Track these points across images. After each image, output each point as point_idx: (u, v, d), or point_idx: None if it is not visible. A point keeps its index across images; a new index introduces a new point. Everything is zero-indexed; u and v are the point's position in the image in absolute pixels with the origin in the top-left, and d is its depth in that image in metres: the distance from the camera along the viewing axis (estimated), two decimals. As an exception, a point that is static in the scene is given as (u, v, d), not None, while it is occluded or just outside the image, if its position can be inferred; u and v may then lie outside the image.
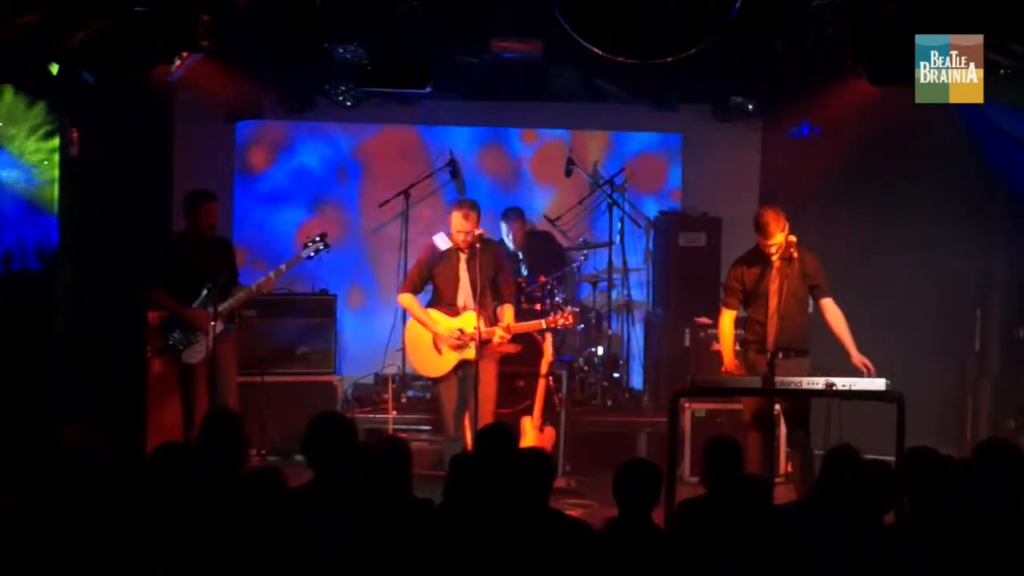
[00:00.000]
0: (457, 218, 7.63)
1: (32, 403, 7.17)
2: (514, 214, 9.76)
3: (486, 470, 4.90)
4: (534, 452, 5.40)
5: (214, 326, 7.74)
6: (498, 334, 7.64)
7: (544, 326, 7.98)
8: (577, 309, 9.30)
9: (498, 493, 4.85)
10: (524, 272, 9.46)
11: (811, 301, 7.49)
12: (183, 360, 7.91)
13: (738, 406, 8.44)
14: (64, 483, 4.65)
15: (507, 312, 7.77)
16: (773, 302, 7.26)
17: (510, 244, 9.66)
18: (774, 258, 7.28)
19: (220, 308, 7.88)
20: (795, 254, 7.21)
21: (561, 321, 7.94)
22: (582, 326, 9.27)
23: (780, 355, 7.27)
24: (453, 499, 4.84)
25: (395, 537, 4.59)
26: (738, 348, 7.53)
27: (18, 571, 4.38)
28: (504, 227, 9.69)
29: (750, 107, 9.62)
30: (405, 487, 5.19)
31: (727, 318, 7.58)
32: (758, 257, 7.37)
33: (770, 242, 7.23)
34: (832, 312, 7.37)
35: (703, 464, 5.45)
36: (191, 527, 4.52)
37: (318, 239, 8.21)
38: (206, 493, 4.73)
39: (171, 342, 7.91)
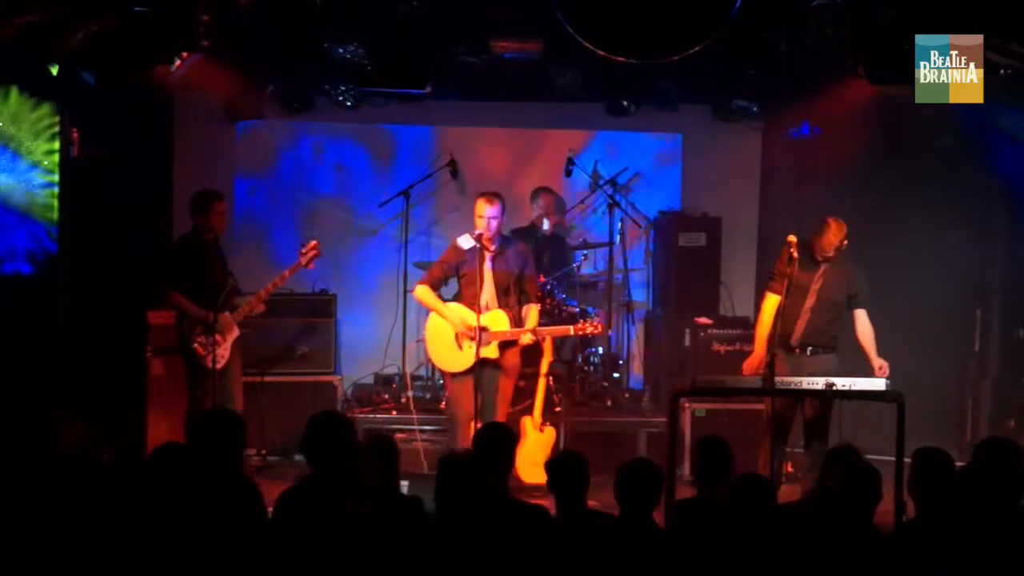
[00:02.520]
0: (480, 203, 7.58)
1: (31, 403, 7.17)
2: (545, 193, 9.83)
3: (476, 469, 4.90)
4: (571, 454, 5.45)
5: (214, 328, 7.76)
6: (526, 338, 7.62)
7: (572, 332, 7.94)
8: (585, 310, 9.34)
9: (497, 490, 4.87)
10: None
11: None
12: (206, 364, 7.82)
13: (738, 406, 8.47)
14: (61, 483, 4.65)
15: (532, 312, 7.75)
16: (810, 301, 7.30)
17: (545, 226, 9.70)
18: (820, 256, 7.32)
19: (234, 313, 7.90)
20: (835, 258, 7.27)
21: (590, 329, 7.88)
22: (589, 309, 9.25)
23: (808, 351, 7.31)
24: (443, 499, 4.82)
25: (390, 534, 4.59)
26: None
27: (17, 571, 4.38)
28: (536, 208, 9.76)
29: (755, 108, 9.61)
30: (394, 484, 5.23)
31: (771, 303, 7.49)
32: (808, 252, 7.38)
33: (825, 248, 7.26)
34: (863, 323, 7.43)
35: (693, 465, 5.44)
36: (189, 527, 4.53)
37: (311, 247, 8.18)
38: (201, 491, 4.74)
39: (196, 347, 7.85)
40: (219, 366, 7.79)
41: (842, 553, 4.54)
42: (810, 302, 7.35)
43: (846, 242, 7.29)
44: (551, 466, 5.21)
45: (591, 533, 4.59)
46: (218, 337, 7.77)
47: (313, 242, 8.17)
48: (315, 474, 4.92)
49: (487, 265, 7.61)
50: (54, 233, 7.34)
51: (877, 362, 7.28)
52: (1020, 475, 4.80)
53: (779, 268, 7.48)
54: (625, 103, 9.57)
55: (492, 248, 7.62)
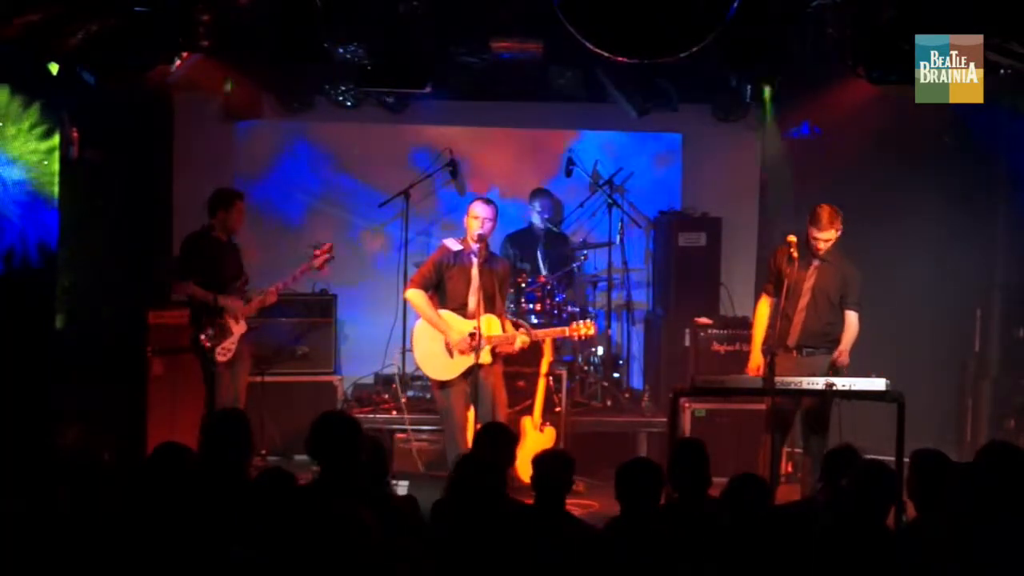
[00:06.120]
0: (476, 205, 7.69)
1: (30, 403, 7.17)
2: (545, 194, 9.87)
3: (490, 470, 4.91)
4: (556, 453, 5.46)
5: (215, 326, 7.79)
6: (520, 340, 7.62)
7: (567, 334, 7.95)
8: (586, 310, 9.36)
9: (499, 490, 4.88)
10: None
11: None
12: (214, 358, 7.84)
13: (738, 406, 8.47)
14: (61, 483, 4.65)
15: (507, 326, 7.80)
16: (804, 300, 7.30)
17: (540, 224, 9.75)
18: (814, 254, 7.32)
19: (247, 305, 7.92)
20: (829, 256, 7.25)
21: (584, 330, 7.90)
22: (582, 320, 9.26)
23: (804, 352, 7.31)
24: (455, 496, 4.84)
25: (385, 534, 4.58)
26: (764, 347, 7.50)
27: (16, 571, 4.38)
28: (537, 208, 9.80)
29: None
30: (387, 484, 5.24)
31: (763, 306, 7.57)
32: (803, 251, 7.39)
33: (820, 235, 7.27)
34: (849, 323, 7.41)
35: (671, 468, 5.39)
36: (191, 527, 4.52)
37: (325, 251, 8.19)
38: (208, 493, 4.74)
39: (202, 340, 7.85)
40: (225, 358, 7.81)
41: (851, 555, 4.54)
42: (804, 301, 7.35)
43: (841, 229, 7.29)
44: (536, 463, 5.21)
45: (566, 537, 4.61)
46: (229, 323, 7.82)
47: (327, 244, 8.20)
48: (321, 474, 4.93)
49: (474, 270, 7.62)
50: (51, 236, 7.34)
51: (836, 353, 7.27)
52: (1021, 477, 4.79)
53: (772, 268, 7.51)
54: (647, 105, 9.53)
55: (483, 253, 7.63)
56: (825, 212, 7.29)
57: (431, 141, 10.16)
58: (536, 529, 4.80)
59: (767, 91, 8.93)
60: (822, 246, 7.31)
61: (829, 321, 7.40)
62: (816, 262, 7.35)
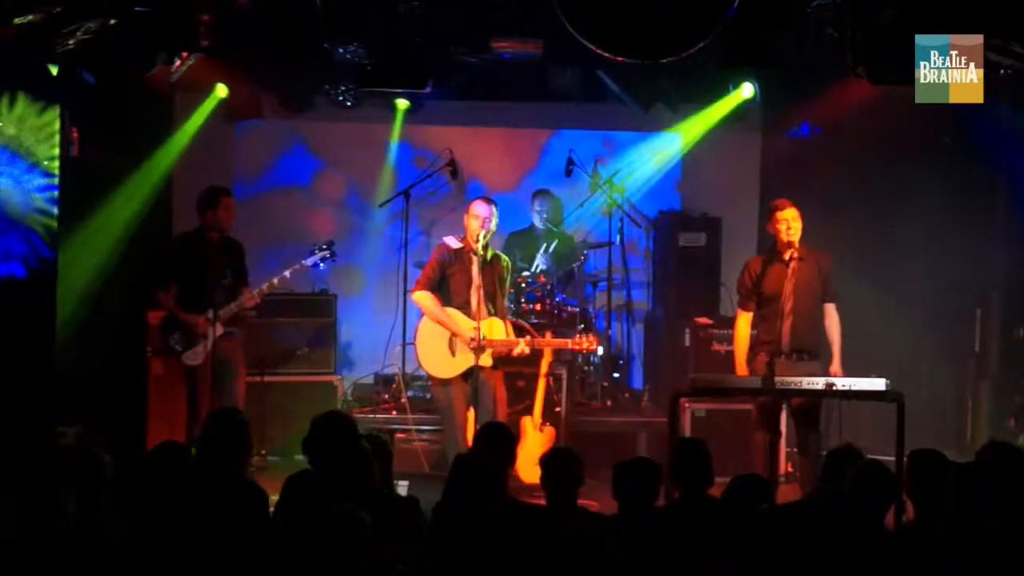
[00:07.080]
0: (477, 204, 7.75)
1: (31, 404, 7.18)
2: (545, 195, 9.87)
3: (490, 471, 4.91)
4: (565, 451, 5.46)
5: (213, 329, 7.76)
6: (518, 349, 7.65)
7: (569, 346, 7.97)
8: (586, 309, 9.35)
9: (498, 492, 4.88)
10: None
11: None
12: (184, 362, 7.92)
13: (737, 406, 8.46)
14: (61, 483, 4.65)
15: (509, 329, 7.82)
16: (788, 304, 7.31)
17: (540, 224, 9.75)
18: (786, 255, 7.34)
19: (221, 312, 7.88)
20: (800, 253, 7.27)
21: (586, 345, 7.91)
22: (582, 326, 9.27)
23: (794, 357, 7.31)
24: (453, 497, 4.84)
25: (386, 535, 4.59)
26: (750, 353, 7.51)
27: (16, 571, 4.38)
28: (537, 208, 9.79)
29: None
30: (389, 484, 5.24)
31: (743, 321, 7.59)
32: (773, 257, 7.40)
33: (785, 215, 7.33)
34: (831, 318, 7.46)
35: (673, 468, 5.40)
36: (189, 526, 4.53)
37: (325, 248, 8.22)
38: (205, 493, 4.74)
39: (171, 344, 7.91)
40: (195, 362, 7.86)
41: (851, 555, 4.53)
42: (789, 305, 7.36)
43: (800, 223, 7.33)
44: (545, 462, 5.22)
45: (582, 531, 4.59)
46: (201, 327, 7.83)
47: (328, 243, 8.23)
48: (320, 474, 4.92)
49: (475, 268, 7.63)
50: (51, 236, 7.35)
51: (834, 367, 7.32)
52: (1020, 477, 4.79)
53: (746, 285, 7.54)
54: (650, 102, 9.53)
55: (482, 252, 7.64)
56: (778, 199, 7.45)
57: (431, 141, 10.16)
58: (550, 527, 4.79)
59: (753, 88, 8.92)
60: (793, 226, 7.33)
61: (817, 320, 7.43)
62: (793, 263, 7.36)
